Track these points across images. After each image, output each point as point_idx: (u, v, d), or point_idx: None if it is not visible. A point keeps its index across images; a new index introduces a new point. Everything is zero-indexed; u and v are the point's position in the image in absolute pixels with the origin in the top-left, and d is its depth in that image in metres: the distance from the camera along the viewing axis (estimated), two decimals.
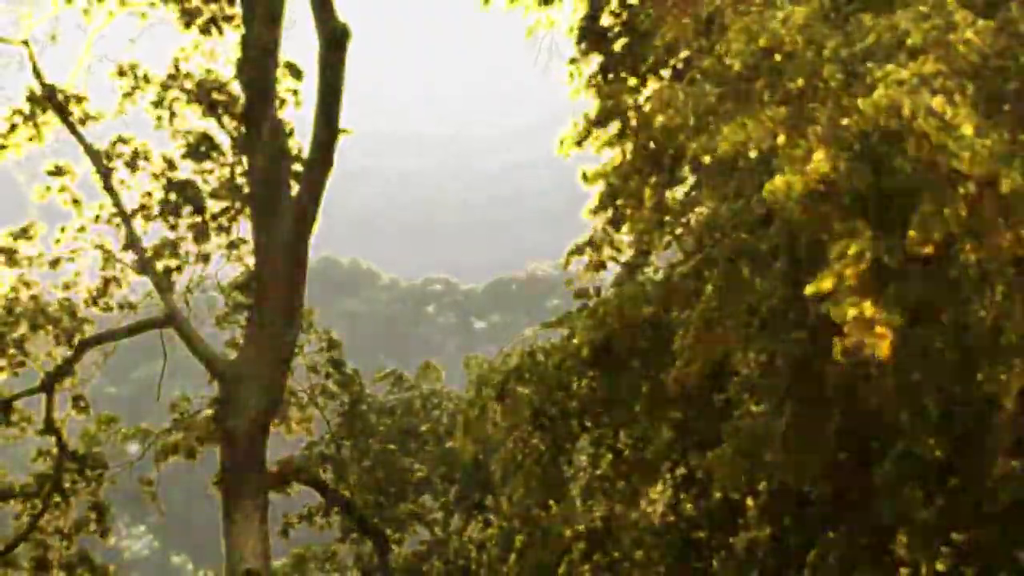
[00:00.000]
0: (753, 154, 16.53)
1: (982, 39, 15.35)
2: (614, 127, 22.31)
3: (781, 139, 15.84)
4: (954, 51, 15.20)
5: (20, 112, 34.49)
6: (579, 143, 22.78)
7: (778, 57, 16.23)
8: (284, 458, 36.27)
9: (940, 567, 19.55)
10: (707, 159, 17.77)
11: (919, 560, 19.32)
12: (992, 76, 15.63)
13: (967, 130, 14.84)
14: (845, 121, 15.66)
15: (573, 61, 24.52)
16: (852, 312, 15.12)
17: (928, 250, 15.28)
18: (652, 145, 18.32)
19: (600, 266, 23.50)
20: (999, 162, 15.06)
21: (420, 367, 39.73)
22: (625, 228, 21.50)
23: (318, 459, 36.90)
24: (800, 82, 16.09)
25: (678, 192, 20.54)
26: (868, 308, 15.10)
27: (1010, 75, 15.76)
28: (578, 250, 23.12)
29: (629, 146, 20.15)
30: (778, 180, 15.54)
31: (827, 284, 15.26)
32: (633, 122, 19.90)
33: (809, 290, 15.50)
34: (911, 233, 15.20)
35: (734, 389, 19.42)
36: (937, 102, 14.89)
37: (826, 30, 16.06)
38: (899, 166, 15.74)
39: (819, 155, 15.56)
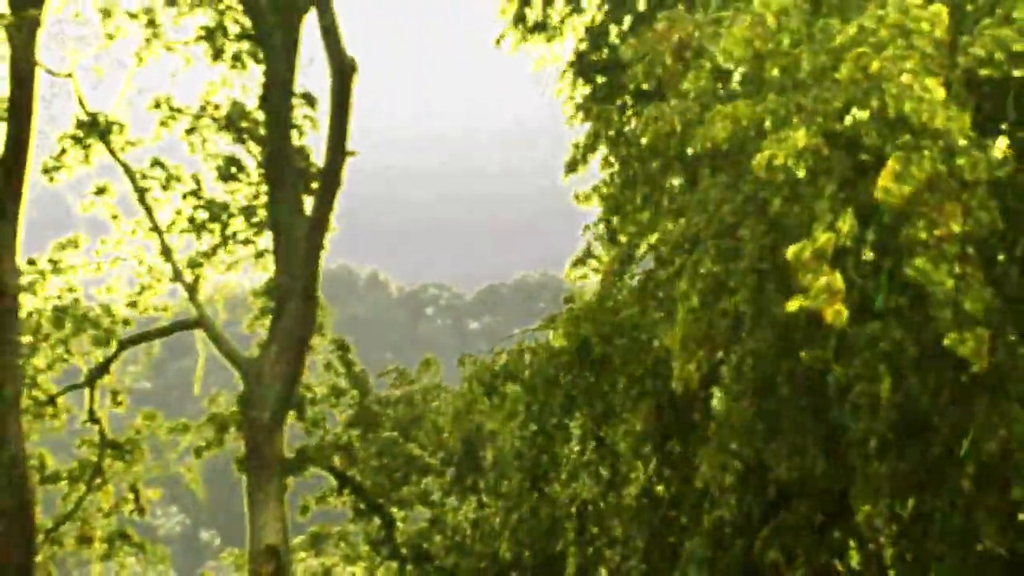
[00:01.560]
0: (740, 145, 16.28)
1: (938, 23, 15.10)
2: (603, 146, 22.28)
3: (768, 124, 15.60)
4: (919, 39, 14.95)
5: (70, 138, 34.54)
6: (574, 168, 22.71)
7: (761, 47, 16.02)
8: (301, 446, 36.18)
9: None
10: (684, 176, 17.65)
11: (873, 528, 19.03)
12: (952, 61, 15.43)
13: (937, 95, 14.58)
14: (822, 107, 15.42)
15: (571, 97, 24.54)
16: (820, 282, 14.81)
17: (897, 201, 14.88)
18: (642, 157, 18.19)
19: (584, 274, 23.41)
20: (960, 135, 14.83)
21: (420, 363, 39.59)
22: (621, 239, 21.34)
23: (331, 447, 36.77)
24: (776, 72, 15.92)
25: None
26: (836, 280, 14.83)
27: (963, 55, 15.56)
28: (578, 262, 23.03)
29: (619, 165, 20.09)
30: (763, 154, 15.24)
31: (806, 251, 14.90)
32: (622, 149, 19.81)
33: (790, 253, 15.06)
34: (880, 183, 14.79)
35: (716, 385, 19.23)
36: (906, 74, 14.65)
37: (803, 26, 15.85)
38: (870, 135, 15.41)
39: (800, 133, 15.30)
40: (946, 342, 15.35)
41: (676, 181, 18.33)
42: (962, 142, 14.74)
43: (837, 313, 14.69)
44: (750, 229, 16.64)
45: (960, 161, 14.73)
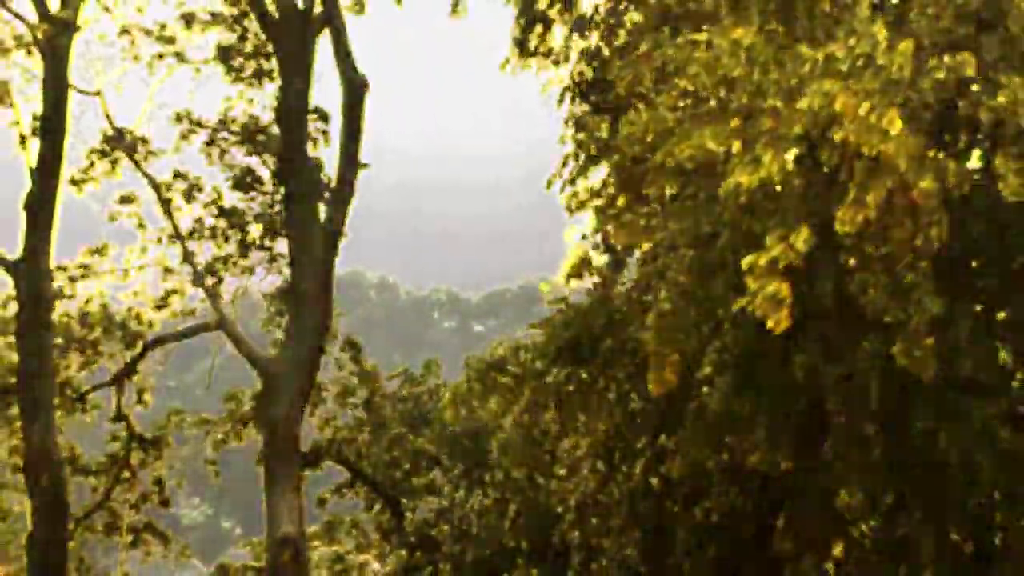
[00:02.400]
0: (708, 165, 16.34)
1: (904, 58, 15.16)
2: (589, 155, 22.33)
3: (736, 146, 15.65)
4: (881, 70, 15.02)
5: (97, 151, 34.59)
6: (572, 181, 22.79)
7: (729, 74, 16.07)
8: (316, 441, 36.18)
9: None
10: (667, 186, 17.64)
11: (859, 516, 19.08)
12: (913, 91, 15.49)
13: (894, 128, 14.64)
14: (785, 127, 15.47)
15: (571, 115, 24.57)
16: (769, 290, 14.92)
17: (853, 228, 15.01)
18: (625, 163, 18.19)
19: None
20: (917, 163, 14.91)
21: (423, 364, 39.56)
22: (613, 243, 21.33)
23: (344, 442, 36.75)
24: (745, 99, 15.95)
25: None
26: (784, 290, 14.91)
27: (928, 89, 15.62)
28: (574, 269, 22.97)
29: (608, 174, 20.08)
30: (729, 180, 15.35)
31: (761, 261, 15.03)
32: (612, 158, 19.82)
33: (745, 263, 15.18)
34: (840, 213, 14.94)
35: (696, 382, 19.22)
36: (865, 106, 14.71)
37: (770, 54, 15.89)
38: (829, 161, 15.52)
39: (767, 157, 15.33)
40: (895, 353, 15.55)
41: (667, 190, 18.31)
42: (912, 169, 14.82)
43: (778, 321, 14.85)
44: (723, 240, 16.75)
45: (922, 184, 14.83)
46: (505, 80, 25.81)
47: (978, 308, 17.75)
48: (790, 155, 15.33)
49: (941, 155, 15.92)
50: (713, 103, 16.11)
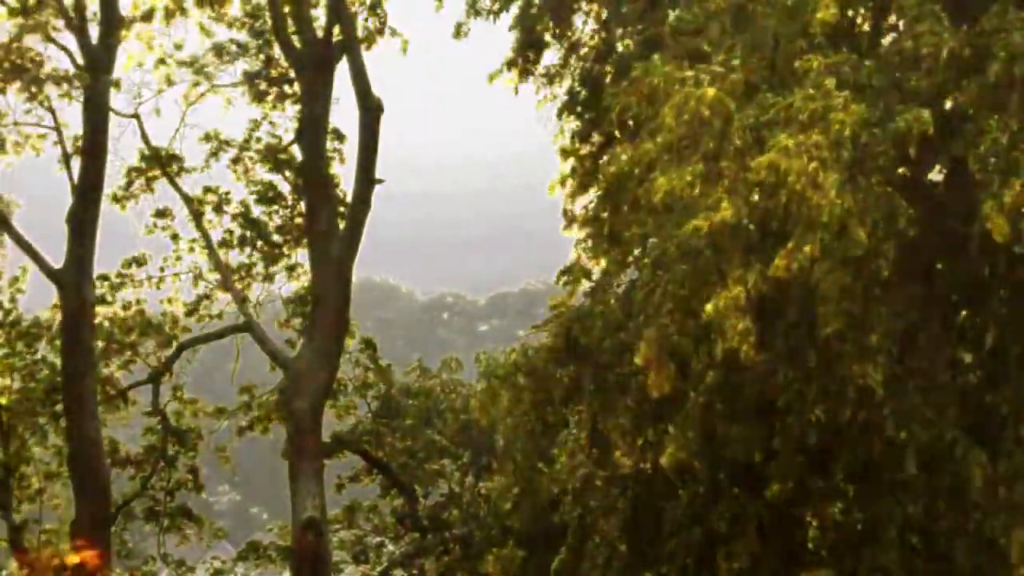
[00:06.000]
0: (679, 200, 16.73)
1: (855, 117, 15.59)
2: (579, 177, 22.62)
3: (696, 190, 16.12)
4: (832, 126, 15.49)
5: (135, 169, 34.90)
6: (572, 197, 23.11)
7: (696, 124, 16.48)
8: (335, 432, 36.35)
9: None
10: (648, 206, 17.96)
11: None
12: (862, 145, 15.93)
13: (831, 190, 15.14)
14: (745, 176, 15.95)
15: (561, 132, 24.82)
16: (737, 326, 15.54)
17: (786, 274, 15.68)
18: (610, 190, 18.51)
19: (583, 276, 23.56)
20: (850, 216, 15.42)
21: (443, 361, 39.66)
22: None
23: (362, 433, 36.92)
24: (712, 145, 16.32)
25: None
26: (747, 323, 15.54)
27: (878, 144, 16.02)
28: (565, 272, 23.25)
29: (598, 193, 20.36)
30: (691, 223, 15.90)
31: (722, 303, 15.72)
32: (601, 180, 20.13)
33: (708, 309, 15.88)
34: (776, 261, 15.61)
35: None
36: (812, 166, 15.17)
37: (733, 105, 16.28)
38: (777, 213, 16.05)
39: (725, 204, 15.84)
40: (851, 374, 16.05)
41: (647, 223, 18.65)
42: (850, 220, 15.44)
43: (747, 352, 15.57)
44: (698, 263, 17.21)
45: (859, 233, 15.41)
46: (507, 88, 26.00)
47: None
48: (743, 205, 15.89)
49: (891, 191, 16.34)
50: (684, 143, 16.50)
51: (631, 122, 17.95)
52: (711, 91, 16.02)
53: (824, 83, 15.71)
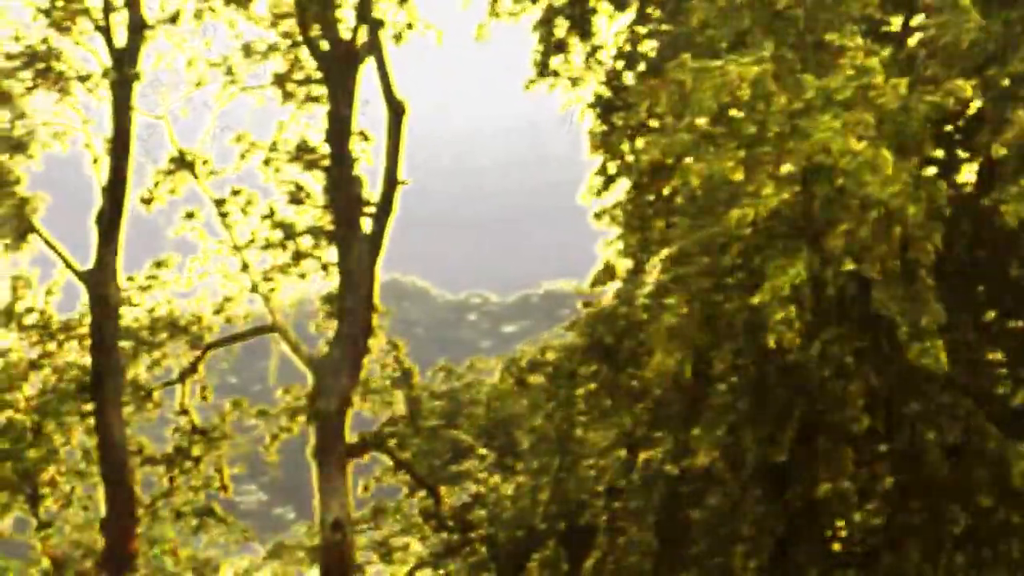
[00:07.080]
0: (717, 190, 16.43)
1: (896, 92, 15.24)
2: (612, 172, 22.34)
3: (739, 176, 15.77)
4: (875, 103, 15.13)
5: (164, 172, 34.74)
6: (599, 192, 22.84)
7: (734, 111, 16.17)
8: (361, 432, 36.15)
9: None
10: (679, 199, 17.67)
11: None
12: (905, 122, 15.57)
13: (887, 167, 14.77)
14: (787, 163, 15.61)
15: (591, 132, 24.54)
16: (779, 315, 15.24)
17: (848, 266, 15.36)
18: (643, 181, 18.26)
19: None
20: (906, 196, 15.07)
21: (470, 360, 39.48)
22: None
23: (388, 433, 36.72)
24: (753, 129, 15.99)
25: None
26: (791, 312, 15.24)
27: (918, 121, 15.68)
28: (600, 277, 22.96)
29: (628, 186, 20.10)
30: (735, 212, 15.54)
31: (766, 296, 15.44)
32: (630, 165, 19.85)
33: (755, 300, 15.55)
34: (829, 243, 15.30)
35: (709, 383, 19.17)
36: (861, 145, 14.82)
37: (773, 87, 15.93)
38: (826, 196, 15.72)
39: (768, 190, 15.48)
40: (910, 355, 15.69)
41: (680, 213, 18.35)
42: (900, 200, 15.11)
43: (791, 339, 15.23)
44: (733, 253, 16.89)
45: (910, 210, 15.06)
46: (533, 92, 25.80)
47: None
48: (787, 193, 15.57)
49: (933, 172, 15.97)
50: (722, 128, 16.16)
51: (659, 117, 17.68)
52: (754, 68, 15.68)
53: (865, 62, 15.37)
